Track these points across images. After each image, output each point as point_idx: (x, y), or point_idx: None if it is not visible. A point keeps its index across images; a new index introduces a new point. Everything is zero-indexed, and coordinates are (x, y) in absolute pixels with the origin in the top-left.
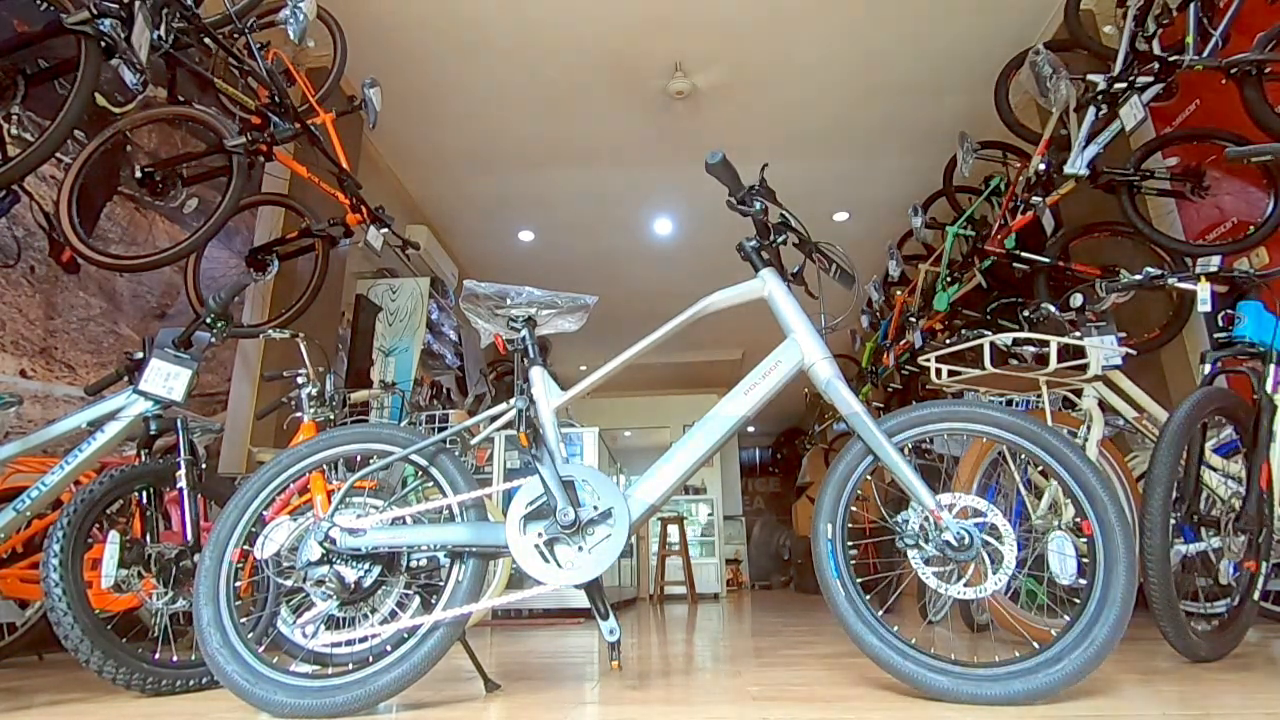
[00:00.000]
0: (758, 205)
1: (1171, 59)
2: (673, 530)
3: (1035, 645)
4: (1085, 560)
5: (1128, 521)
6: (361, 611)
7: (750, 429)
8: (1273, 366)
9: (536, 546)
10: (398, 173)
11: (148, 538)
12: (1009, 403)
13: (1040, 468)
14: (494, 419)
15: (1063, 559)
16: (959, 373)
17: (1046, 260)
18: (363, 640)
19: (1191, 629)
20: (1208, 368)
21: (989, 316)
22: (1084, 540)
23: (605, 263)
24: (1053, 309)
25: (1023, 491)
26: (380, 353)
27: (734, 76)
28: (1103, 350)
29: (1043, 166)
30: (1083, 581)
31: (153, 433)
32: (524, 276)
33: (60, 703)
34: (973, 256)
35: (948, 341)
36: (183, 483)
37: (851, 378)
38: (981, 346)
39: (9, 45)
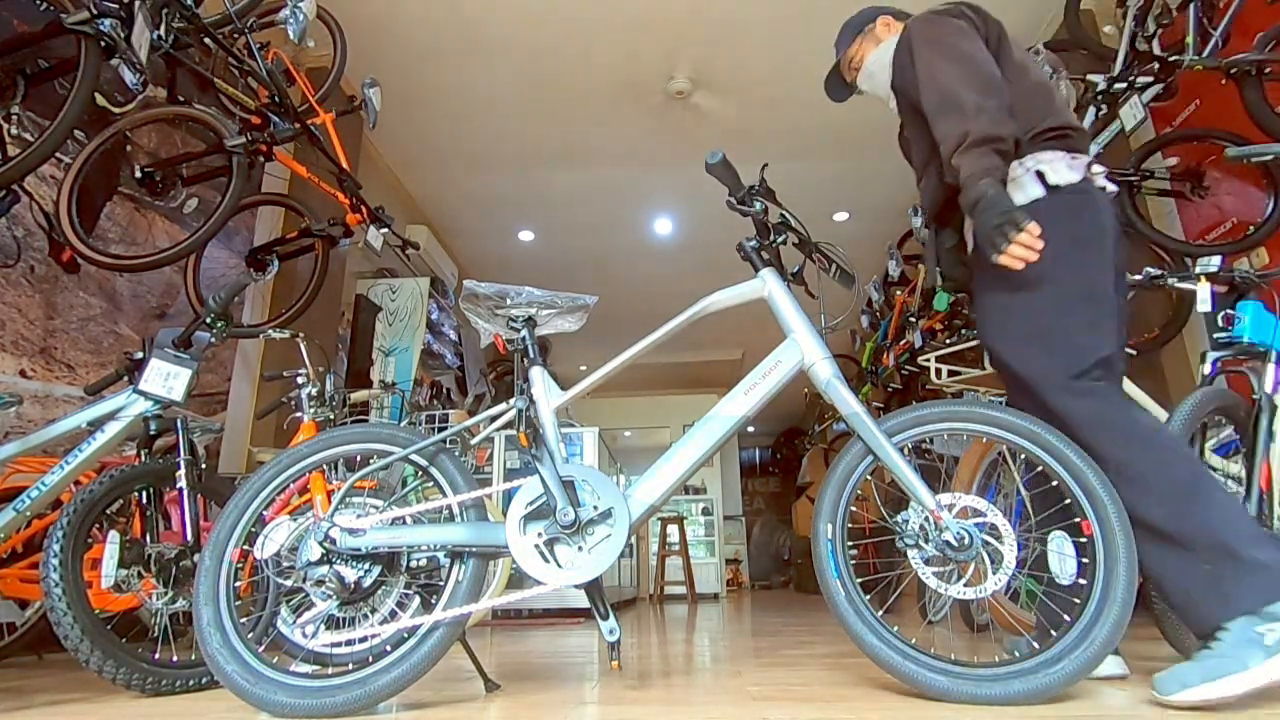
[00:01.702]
0: (758, 205)
1: (1171, 59)
2: (673, 530)
3: (1035, 645)
4: (1085, 560)
5: (1128, 521)
6: (361, 611)
7: (750, 429)
8: (1272, 366)
9: (536, 546)
10: (398, 173)
11: (148, 538)
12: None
13: (1040, 468)
14: (494, 419)
15: (1063, 559)
16: (959, 373)
17: None
18: (363, 640)
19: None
20: (1208, 368)
21: None
22: (1084, 540)
23: (605, 263)
24: None
25: (1023, 491)
26: (380, 353)
27: (734, 76)
28: None
29: None
30: (1083, 582)
31: (153, 433)
32: (524, 276)
33: (60, 703)
34: None
35: (948, 341)
36: (183, 483)
37: (851, 378)
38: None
39: (9, 45)
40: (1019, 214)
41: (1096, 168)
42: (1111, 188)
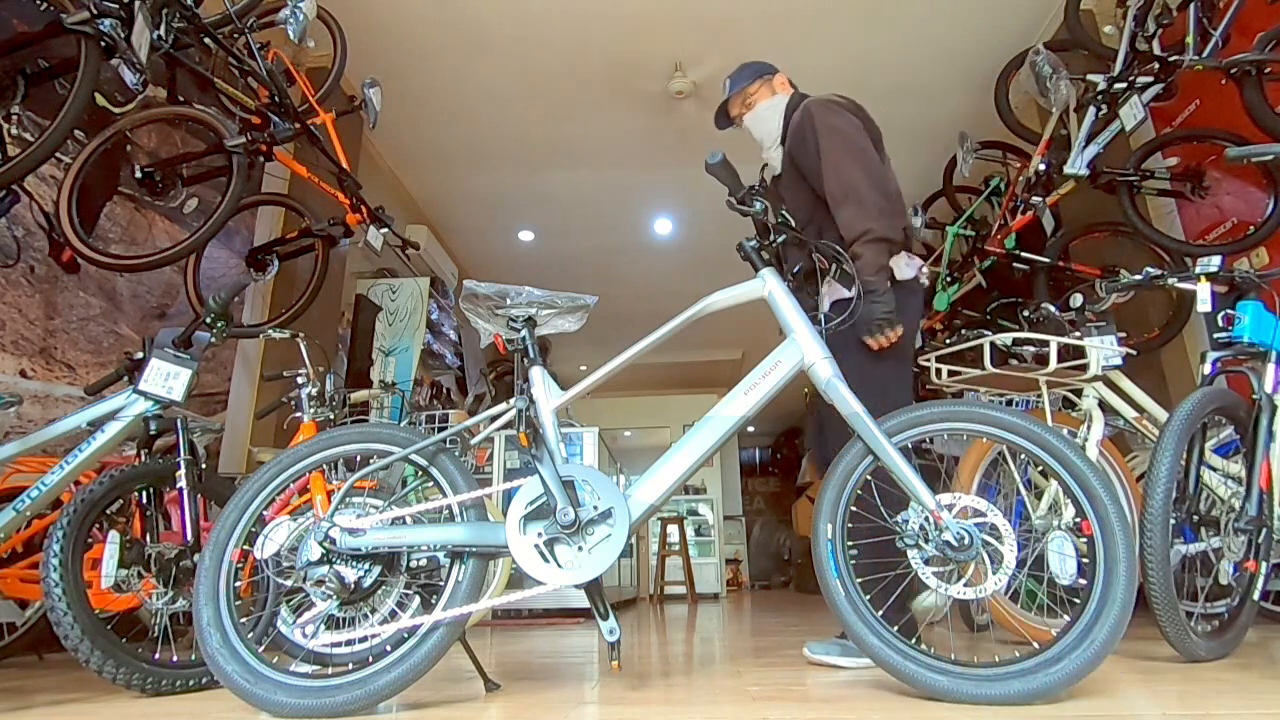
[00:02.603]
0: (758, 205)
1: (1171, 59)
2: (672, 530)
3: (1035, 645)
4: (1085, 560)
5: (1128, 521)
6: (361, 611)
7: (750, 429)
8: (1272, 366)
9: (536, 546)
10: (398, 173)
11: (148, 538)
12: (1009, 403)
13: (1040, 468)
14: (494, 419)
15: (1063, 559)
16: (959, 373)
17: (1046, 260)
18: (363, 640)
19: (1191, 629)
20: (1208, 368)
21: (989, 316)
22: (1084, 540)
23: (605, 263)
24: (1053, 309)
25: (1023, 491)
26: (380, 353)
27: None
28: (1103, 350)
29: (1043, 166)
30: (1083, 581)
31: (153, 433)
32: (524, 276)
33: (60, 703)
34: (973, 256)
35: (948, 341)
36: (183, 483)
37: None
38: (981, 346)
39: (9, 45)
40: (895, 317)
41: (925, 269)
42: (925, 280)
